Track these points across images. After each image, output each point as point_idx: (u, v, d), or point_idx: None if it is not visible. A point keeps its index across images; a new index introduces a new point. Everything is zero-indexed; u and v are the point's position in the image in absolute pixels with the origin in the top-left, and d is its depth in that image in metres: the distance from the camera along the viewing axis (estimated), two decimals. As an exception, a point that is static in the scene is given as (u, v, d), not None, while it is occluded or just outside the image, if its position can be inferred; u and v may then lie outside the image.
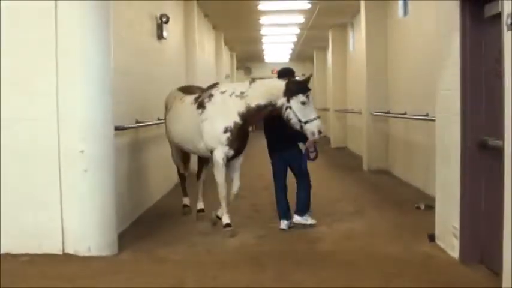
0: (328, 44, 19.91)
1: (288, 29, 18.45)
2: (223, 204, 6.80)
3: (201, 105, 6.82)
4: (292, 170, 7.08)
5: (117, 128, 6.15)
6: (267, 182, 9.20)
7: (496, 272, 4.68)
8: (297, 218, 7.02)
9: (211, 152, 6.72)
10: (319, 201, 8.64)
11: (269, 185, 9.09)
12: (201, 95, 7.04)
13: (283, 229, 6.86)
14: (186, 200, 8.00)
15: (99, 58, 5.65)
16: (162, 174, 9.38)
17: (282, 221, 6.93)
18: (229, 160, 6.75)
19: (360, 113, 13.91)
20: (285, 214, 6.95)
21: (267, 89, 6.53)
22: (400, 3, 11.25)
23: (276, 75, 7.08)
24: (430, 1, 7.78)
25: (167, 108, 7.65)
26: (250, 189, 10.01)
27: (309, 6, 14.23)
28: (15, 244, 5.59)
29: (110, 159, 5.76)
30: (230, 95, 6.67)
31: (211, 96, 6.83)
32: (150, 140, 8.55)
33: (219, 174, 6.73)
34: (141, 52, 8.17)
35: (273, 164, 7.12)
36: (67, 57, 5.54)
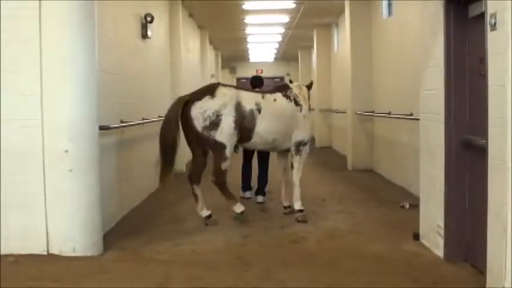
0: (313, 43, 19.95)
1: (272, 28, 18.44)
2: (298, 192, 7.50)
3: (296, 103, 7.47)
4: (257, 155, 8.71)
5: (101, 128, 6.12)
6: (252, 181, 9.21)
7: (481, 270, 4.72)
8: (258, 198, 8.66)
9: (298, 146, 7.48)
10: (304, 200, 8.66)
11: (255, 185, 9.12)
12: (286, 93, 7.49)
13: (248, 197, 8.78)
14: (206, 212, 7.30)
15: (84, 57, 5.61)
16: (148, 173, 9.34)
17: (245, 193, 8.89)
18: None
19: (344, 112, 13.93)
20: (247, 186, 8.95)
21: None
22: (384, 4, 11.30)
23: (251, 80, 8.77)
24: (414, 1, 7.82)
25: (226, 112, 6.83)
26: (235, 188, 10.03)
27: (293, 6, 14.24)
28: (-1, 244, 5.54)
29: (94, 159, 5.73)
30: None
31: (295, 94, 7.52)
32: (136, 140, 8.52)
33: (301, 168, 7.60)
34: (126, 51, 8.14)
35: (244, 151, 8.57)
36: (51, 57, 5.50)
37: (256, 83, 8.62)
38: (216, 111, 6.80)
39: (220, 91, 6.96)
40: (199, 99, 6.89)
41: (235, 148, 7.50)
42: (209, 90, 7.05)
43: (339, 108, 16.14)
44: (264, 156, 8.62)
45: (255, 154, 8.76)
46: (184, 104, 6.87)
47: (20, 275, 5.07)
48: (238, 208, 7.23)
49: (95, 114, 5.74)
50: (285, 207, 7.80)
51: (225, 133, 6.82)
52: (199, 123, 6.79)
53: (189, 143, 7.15)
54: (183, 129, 6.96)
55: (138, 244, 6.17)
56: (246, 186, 8.97)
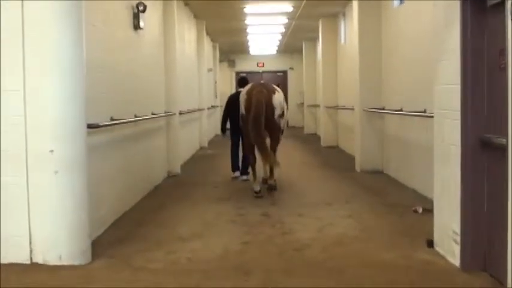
0: (318, 35, 19.93)
1: (275, 18, 18.43)
2: None
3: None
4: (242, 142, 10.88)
5: (90, 126, 6.09)
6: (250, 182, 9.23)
7: (500, 280, 4.69)
8: (242, 177, 11.27)
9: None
10: (308, 204, 8.66)
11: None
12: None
13: (236, 177, 11.39)
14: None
15: (71, 50, 5.57)
16: (141, 175, 9.33)
17: (235, 173, 11.50)
18: None
19: (352, 109, 13.91)
20: (236, 167, 11.50)
21: None
22: (395, -9, 11.29)
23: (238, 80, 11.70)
24: (427, -11, 7.79)
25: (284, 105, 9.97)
26: (233, 191, 10.03)
27: (297, -6, 14.24)
28: (-22, 253, 5.53)
29: (82, 159, 5.70)
30: None
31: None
32: (128, 139, 8.50)
33: None
34: (116, 43, 8.11)
35: (231, 135, 11.44)
36: (35, 50, 5.46)
37: (241, 84, 11.25)
38: (282, 102, 9.69)
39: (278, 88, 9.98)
40: (274, 92, 9.57)
41: (223, 132, 11.64)
42: (272, 85, 9.90)
43: (346, 105, 16.13)
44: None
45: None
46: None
47: None
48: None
49: (83, 111, 5.71)
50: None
51: (284, 122, 10.01)
52: (277, 112, 9.47)
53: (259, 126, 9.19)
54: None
55: (129, 252, 6.14)
56: (236, 166, 11.60)
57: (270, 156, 9.20)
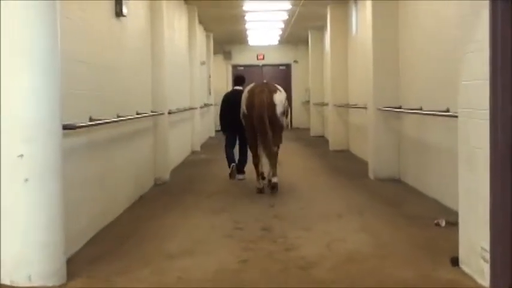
0: (326, 23, 19.95)
1: (276, 4, 18.45)
2: None
3: None
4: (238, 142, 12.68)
5: (66, 127, 6.07)
6: (249, 190, 9.22)
7: (535, 303, 4.67)
8: (238, 176, 12.51)
9: None
10: (315, 216, 8.65)
11: (255, 196, 9.09)
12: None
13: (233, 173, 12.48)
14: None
15: (44, 42, 5.55)
16: (124, 183, 9.32)
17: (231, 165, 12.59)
18: None
19: (365, 108, 13.91)
20: (232, 161, 12.66)
21: None
22: (414, -26, 11.28)
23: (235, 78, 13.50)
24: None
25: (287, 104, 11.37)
26: (229, 201, 10.02)
27: (302, -23, 14.26)
28: None
29: (56, 165, 5.67)
30: None
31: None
32: (109, 142, 8.49)
33: None
34: (96, 33, 8.10)
35: (227, 135, 12.83)
36: (3, 41, 5.43)
37: (237, 82, 13.09)
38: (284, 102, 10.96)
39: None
40: (275, 91, 10.91)
41: (225, 131, 12.93)
42: (274, 85, 11.24)
43: (358, 103, 16.13)
44: (243, 142, 12.30)
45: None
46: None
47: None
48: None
49: (58, 111, 5.69)
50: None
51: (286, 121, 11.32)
52: (279, 109, 10.71)
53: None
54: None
55: (110, 270, 6.12)
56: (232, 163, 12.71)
57: (271, 148, 10.61)
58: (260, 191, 10.89)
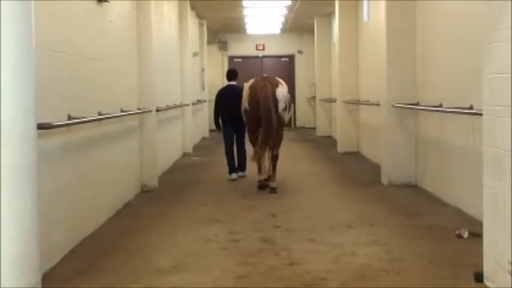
0: (334, 9, 19.96)
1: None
2: None
3: None
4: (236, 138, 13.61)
5: (41, 126, 6.08)
6: (248, 196, 9.21)
7: None
8: (239, 173, 13.48)
9: None
10: (321, 226, 8.65)
11: (254, 205, 9.07)
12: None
13: (234, 179, 13.25)
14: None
15: (16, 31, 5.52)
16: (107, 189, 9.31)
17: (232, 175, 13.39)
18: None
19: (377, 105, 13.91)
20: (233, 169, 13.46)
21: None
22: (433, -46, 11.29)
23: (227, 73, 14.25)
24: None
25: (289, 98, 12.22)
26: (225, 210, 10.02)
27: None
28: None
29: (31, 169, 5.65)
30: None
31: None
32: (89, 143, 8.48)
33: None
34: (75, 20, 8.10)
35: (224, 132, 13.54)
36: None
37: (230, 77, 13.82)
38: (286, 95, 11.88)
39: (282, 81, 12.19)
40: (277, 85, 11.71)
41: (219, 128, 13.80)
42: (275, 79, 12.08)
43: (369, 100, 16.13)
44: (241, 140, 13.51)
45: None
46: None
47: None
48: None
49: (32, 108, 5.66)
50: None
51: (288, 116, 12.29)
52: (281, 106, 11.58)
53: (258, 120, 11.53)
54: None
55: (91, 288, 6.11)
56: (233, 168, 13.50)
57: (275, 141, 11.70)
58: (262, 185, 11.87)
